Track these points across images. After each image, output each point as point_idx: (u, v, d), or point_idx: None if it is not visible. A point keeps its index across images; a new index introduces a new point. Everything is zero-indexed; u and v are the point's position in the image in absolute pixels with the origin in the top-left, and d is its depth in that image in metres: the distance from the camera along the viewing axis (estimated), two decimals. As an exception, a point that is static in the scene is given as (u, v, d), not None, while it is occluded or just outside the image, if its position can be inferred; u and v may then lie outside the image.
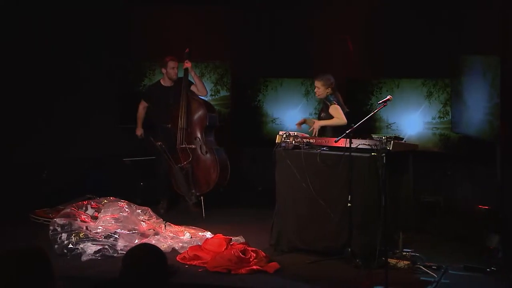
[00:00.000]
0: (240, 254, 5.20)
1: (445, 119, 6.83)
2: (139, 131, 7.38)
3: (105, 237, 5.59)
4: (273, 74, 7.82)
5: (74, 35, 7.57)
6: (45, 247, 2.66)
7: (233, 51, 8.05)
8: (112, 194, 6.35)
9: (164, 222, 6.14)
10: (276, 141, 5.72)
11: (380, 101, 5.37)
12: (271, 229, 5.71)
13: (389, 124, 7.09)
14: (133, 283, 2.67)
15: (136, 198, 7.01)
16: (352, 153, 5.22)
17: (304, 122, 6.34)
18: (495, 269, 4.97)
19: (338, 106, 6.01)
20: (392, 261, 5.07)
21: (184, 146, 7.10)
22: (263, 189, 7.56)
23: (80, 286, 4.65)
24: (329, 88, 6.11)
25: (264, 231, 5.90)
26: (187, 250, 5.47)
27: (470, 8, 6.60)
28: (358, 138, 5.29)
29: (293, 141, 5.61)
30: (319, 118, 6.21)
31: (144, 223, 5.96)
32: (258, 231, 6.09)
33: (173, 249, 5.61)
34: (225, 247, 5.41)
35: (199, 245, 5.59)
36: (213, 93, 7.99)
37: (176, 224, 6.22)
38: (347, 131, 5.22)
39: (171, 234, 5.93)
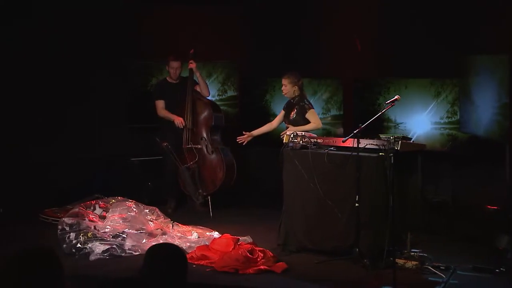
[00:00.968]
0: (248, 254, 5.20)
1: (453, 119, 6.80)
2: (178, 119, 7.11)
3: (113, 237, 5.61)
4: (280, 74, 7.81)
5: (83, 37, 7.58)
6: (53, 247, 2.65)
7: (241, 51, 8.06)
8: (120, 194, 6.37)
9: (172, 221, 6.15)
10: (284, 141, 5.72)
11: (388, 101, 5.35)
12: (279, 229, 5.71)
13: (397, 124, 7.06)
14: (152, 283, 2.61)
15: (144, 198, 7.03)
16: (360, 153, 5.20)
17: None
18: (504, 269, 4.94)
19: (314, 110, 6.05)
20: (400, 261, 5.05)
21: (190, 146, 7.12)
22: (271, 189, 7.55)
23: (88, 285, 4.65)
24: (296, 86, 6.13)
25: (271, 231, 5.90)
26: (195, 250, 5.47)
27: (478, 7, 6.57)
28: (366, 138, 5.27)
29: (301, 141, 5.61)
30: (289, 118, 6.21)
31: (151, 223, 5.97)
32: (266, 231, 6.09)
33: (181, 249, 5.62)
34: (232, 247, 5.41)
35: (206, 245, 5.59)
36: (220, 93, 7.99)
37: (184, 224, 6.23)
38: (355, 131, 5.22)
39: (178, 234, 5.94)
